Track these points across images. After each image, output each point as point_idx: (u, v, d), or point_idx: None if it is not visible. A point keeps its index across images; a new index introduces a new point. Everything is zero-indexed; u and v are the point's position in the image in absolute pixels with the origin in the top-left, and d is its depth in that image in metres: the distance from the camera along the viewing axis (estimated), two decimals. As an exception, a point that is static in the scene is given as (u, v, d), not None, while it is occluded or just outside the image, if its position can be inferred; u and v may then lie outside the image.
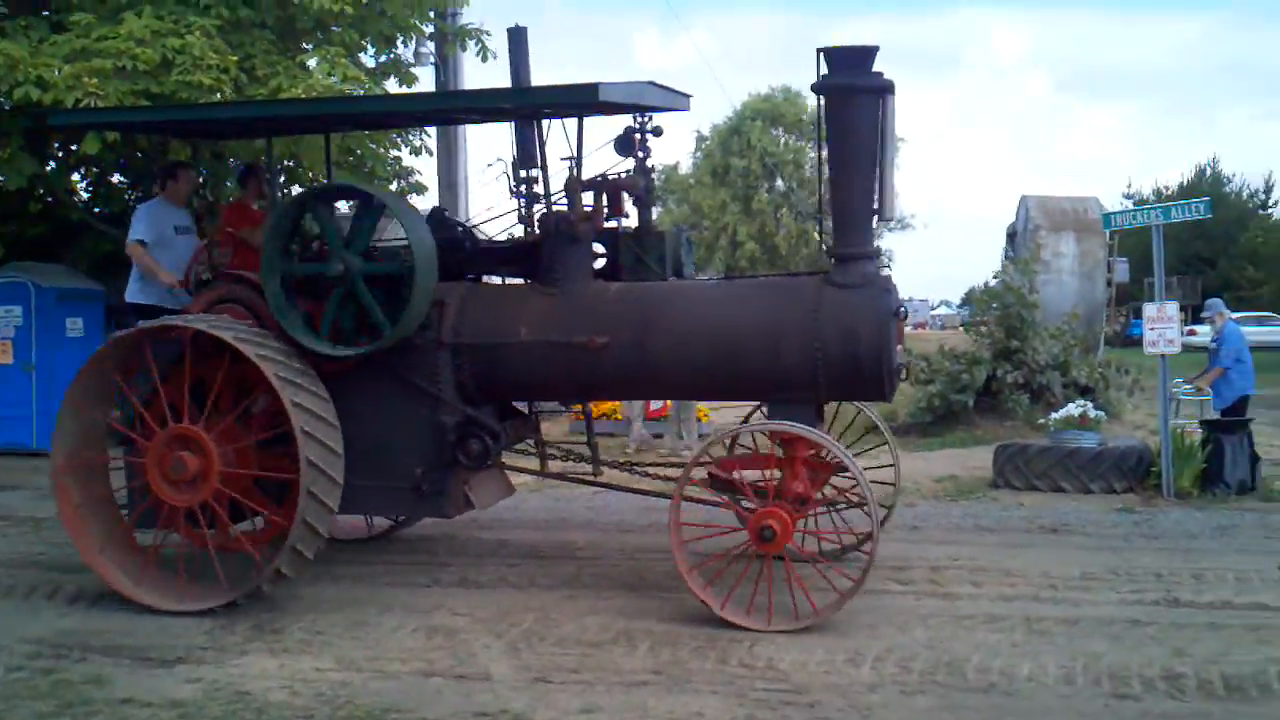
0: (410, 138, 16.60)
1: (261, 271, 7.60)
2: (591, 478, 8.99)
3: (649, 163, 8.32)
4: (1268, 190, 51.87)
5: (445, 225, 8.28)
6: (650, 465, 9.17)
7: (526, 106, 7.99)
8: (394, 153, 16.95)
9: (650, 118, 8.22)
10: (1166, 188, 51.62)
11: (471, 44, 16.15)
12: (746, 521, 7.14)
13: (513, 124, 8.30)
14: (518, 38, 8.50)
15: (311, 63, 13.95)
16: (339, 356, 7.60)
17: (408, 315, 7.46)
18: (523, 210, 8.26)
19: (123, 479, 7.90)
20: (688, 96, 8.47)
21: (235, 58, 12.46)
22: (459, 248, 8.19)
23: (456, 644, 6.74)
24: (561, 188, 8.08)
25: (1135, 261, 33.71)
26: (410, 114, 10.37)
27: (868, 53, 7.31)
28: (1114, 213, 15.56)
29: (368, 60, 15.66)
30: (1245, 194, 52.14)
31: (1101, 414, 12.75)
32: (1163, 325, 11.28)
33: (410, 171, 16.94)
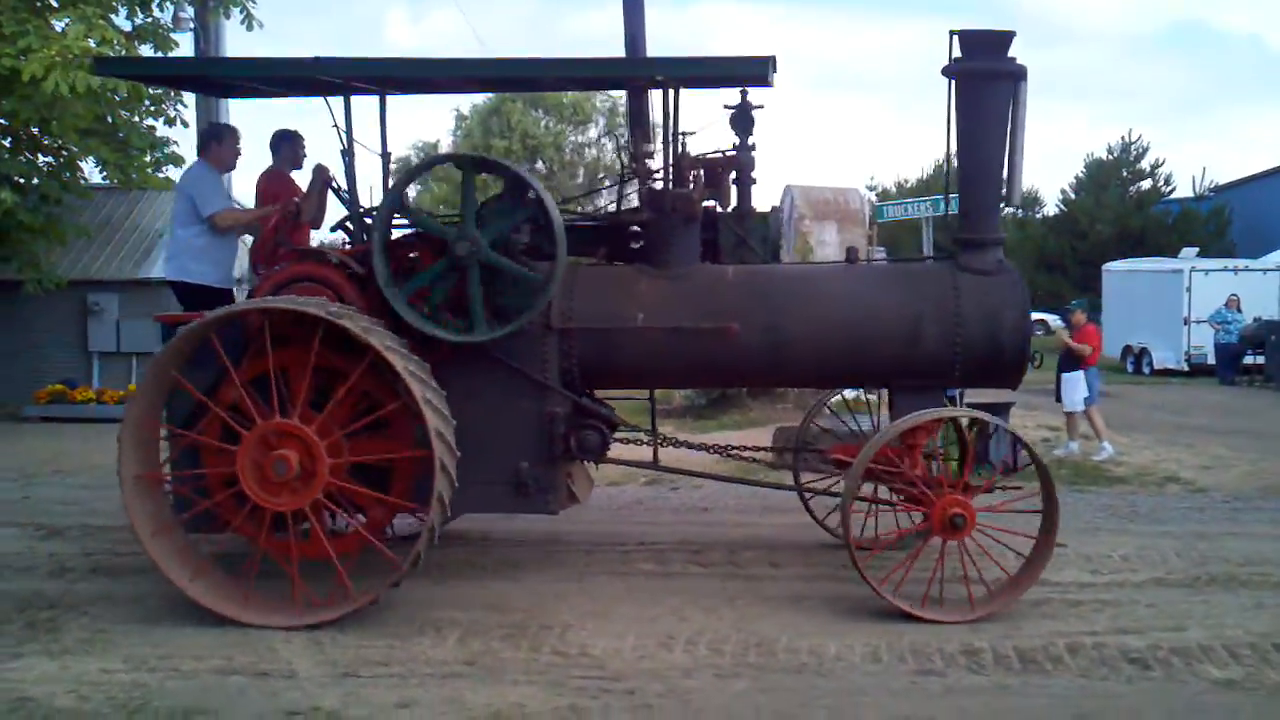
0: (165, 107, 15.86)
1: (375, 250, 6.90)
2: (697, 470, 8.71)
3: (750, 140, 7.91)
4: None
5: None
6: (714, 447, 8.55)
7: (683, 78, 7.51)
8: (148, 122, 16.19)
9: (745, 93, 7.84)
10: (906, 181, 53.76)
11: (236, 11, 15.51)
12: (930, 511, 6.89)
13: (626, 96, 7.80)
14: (633, 6, 7.96)
15: (63, 22, 13.17)
16: (469, 341, 6.95)
17: (543, 298, 6.98)
18: (641, 188, 7.68)
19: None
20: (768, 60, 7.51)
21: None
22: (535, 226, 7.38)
23: (253, 640, 6.41)
24: (669, 165, 7.56)
25: (892, 253, 35.13)
26: (561, 78, 9.16)
27: (1005, 37, 7.22)
28: (886, 204, 16.14)
29: (121, 23, 14.82)
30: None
31: (875, 398, 13.17)
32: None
33: (166, 142, 16.17)
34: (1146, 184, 39.03)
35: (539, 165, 40.78)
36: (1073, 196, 39.92)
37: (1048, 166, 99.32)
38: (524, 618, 6.79)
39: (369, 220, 7.51)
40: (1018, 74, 7.23)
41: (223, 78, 8.85)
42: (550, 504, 7.32)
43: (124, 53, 13.02)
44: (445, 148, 46.63)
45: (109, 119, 15.61)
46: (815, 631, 6.59)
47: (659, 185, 7.60)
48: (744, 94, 7.82)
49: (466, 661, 6.12)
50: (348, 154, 7.52)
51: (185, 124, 16.06)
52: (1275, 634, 6.51)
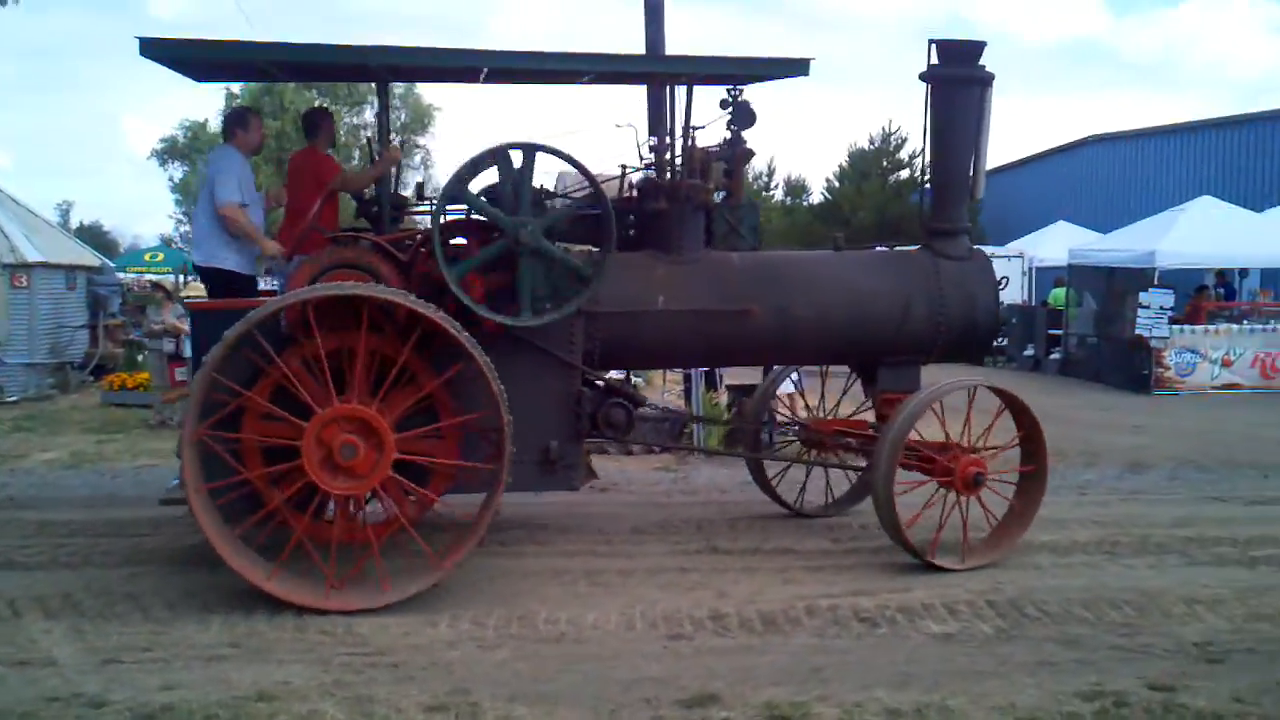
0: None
1: (433, 235, 6.99)
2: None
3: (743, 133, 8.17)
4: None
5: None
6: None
7: (716, 75, 7.88)
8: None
9: (741, 90, 8.06)
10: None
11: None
12: (956, 472, 7.70)
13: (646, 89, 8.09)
14: (655, 6, 8.15)
15: None
16: (523, 325, 7.16)
17: (596, 284, 7.25)
18: (660, 176, 8.00)
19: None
20: (807, 61, 7.96)
21: None
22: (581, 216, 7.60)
23: (9, 629, 6.37)
24: (682, 156, 7.88)
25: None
26: (590, 72, 8.49)
27: (977, 47, 8.07)
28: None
29: None
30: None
31: (640, 379, 13.66)
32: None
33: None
34: (905, 174, 40.87)
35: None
36: (836, 185, 41.43)
37: (815, 155, 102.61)
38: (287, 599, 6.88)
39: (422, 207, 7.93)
40: (985, 80, 8.08)
41: (235, 60, 8.13)
42: (574, 480, 7.64)
43: None
44: (214, 127, 45.26)
45: None
46: (574, 603, 6.92)
47: (672, 175, 7.94)
48: (740, 91, 8.12)
49: (232, 643, 6.20)
50: (379, 141, 7.68)
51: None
52: (989, 592, 7.19)
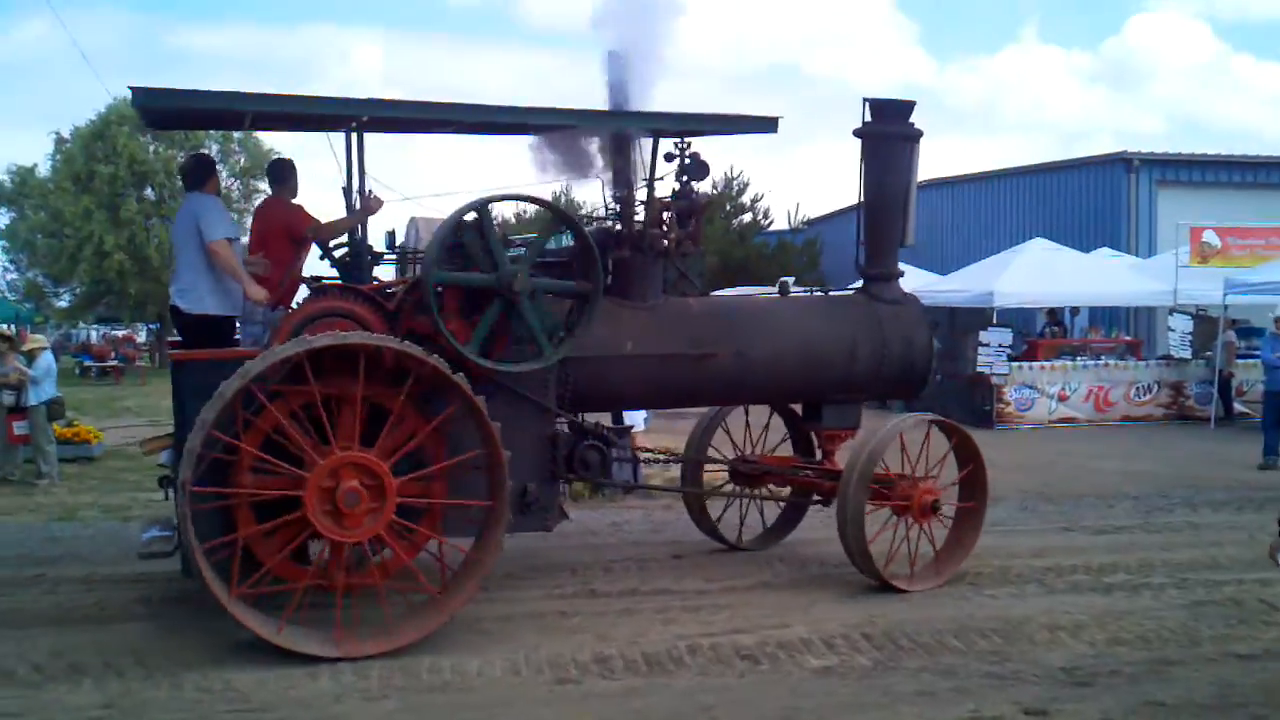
0: None
1: (425, 281, 7.12)
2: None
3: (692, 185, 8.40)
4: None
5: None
6: None
7: (684, 129, 8.20)
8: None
9: (690, 143, 8.30)
10: (525, 212, 54.71)
11: None
12: (912, 501, 8.18)
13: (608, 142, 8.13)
14: (615, 63, 8.10)
15: None
16: (514, 372, 7.35)
17: (584, 331, 7.52)
18: (623, 226, 8.21)
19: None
20: (776, 119, 8.40)
21: None
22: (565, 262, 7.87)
23: None
24: (642, 206, 8.17)
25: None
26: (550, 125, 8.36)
27: (909, 106, 8.67)
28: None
29: None
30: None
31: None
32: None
33: None
34: (748, 217, 41.60)
35: (148, 192, 38.89)
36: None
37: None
38: (161, 658, 6.70)
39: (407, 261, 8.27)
40: (914, 136, 8.67)
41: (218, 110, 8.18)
42: (548, 521, 7.79)
43: None
44: (44, 172, 43.72)
45: None
46: (456, 650, 6.85)
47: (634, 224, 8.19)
48: (688, 145, 8.32)
49: (106, 704, 5.99)
50: (351, 189, 7.70)
51: None
52: (863, 625, 7.37)
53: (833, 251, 38.36)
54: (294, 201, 8.51)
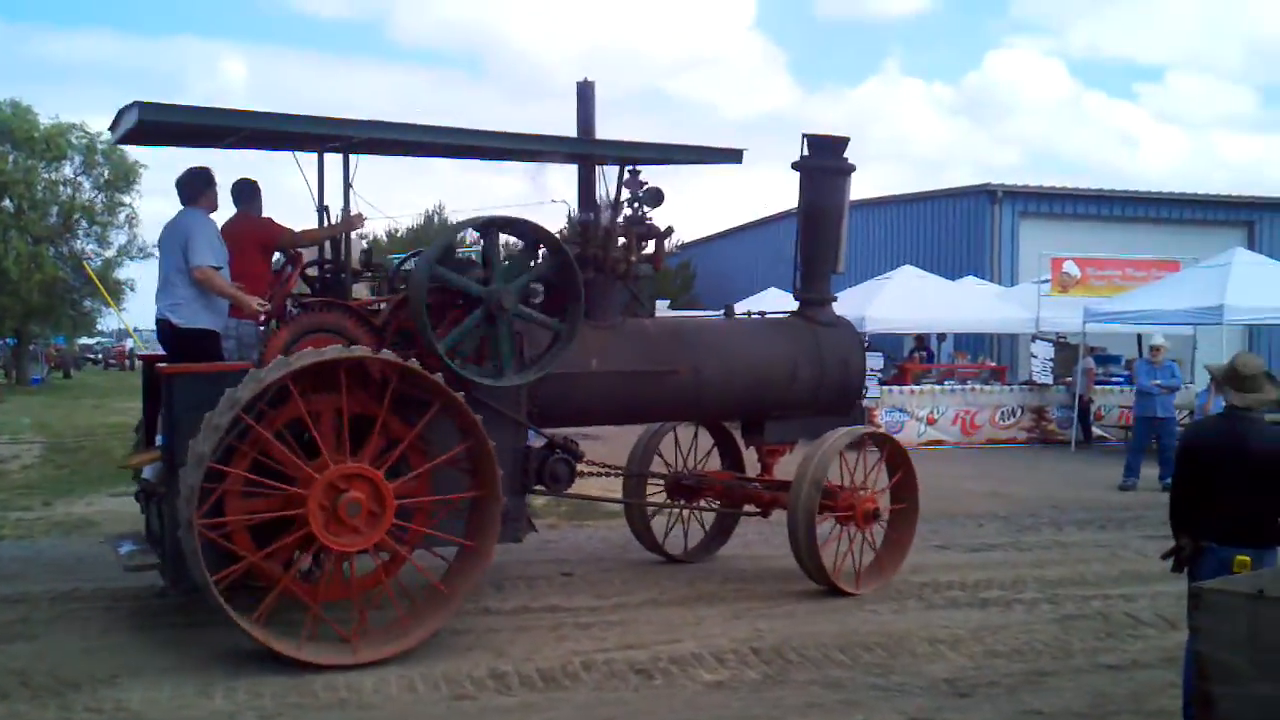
0: None
1: (413, 301, 7.32)
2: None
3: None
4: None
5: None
6: None
7: (656, 158, 8.70)
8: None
9: (639, 171, 8.67)
10: (396, 230, 54.39)
11: None
12: (855, 510, 8.64)
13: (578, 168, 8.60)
14: (585, 92, 8.47)
15: None
16: (501, 385, 7.55)
17: (563, 348, 7.77)
18: (587, 250, 8.46)
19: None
20: (741, 151, 8.94)
21: None
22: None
23: None
24: (606, 231, 8.55)
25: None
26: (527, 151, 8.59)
27: (843, 142, 9.30)
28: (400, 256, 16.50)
29: None
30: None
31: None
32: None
33: None
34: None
35: (6, 203, 37.55)
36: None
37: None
38: (48, 678, 6.56)
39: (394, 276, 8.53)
40: (847, 170, 9.29)
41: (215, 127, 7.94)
42: (518, 532, 7.98)
43: None
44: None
45: None
46: (351, 668, 6.82)
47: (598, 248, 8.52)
48: (639, 172, 8.68)
49: (-11, 730, 5.88)
50: (326, 209, 8.02)
51: None
52: (752, 639, 7.56)
53: (706, 276, 38.87)
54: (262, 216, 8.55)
